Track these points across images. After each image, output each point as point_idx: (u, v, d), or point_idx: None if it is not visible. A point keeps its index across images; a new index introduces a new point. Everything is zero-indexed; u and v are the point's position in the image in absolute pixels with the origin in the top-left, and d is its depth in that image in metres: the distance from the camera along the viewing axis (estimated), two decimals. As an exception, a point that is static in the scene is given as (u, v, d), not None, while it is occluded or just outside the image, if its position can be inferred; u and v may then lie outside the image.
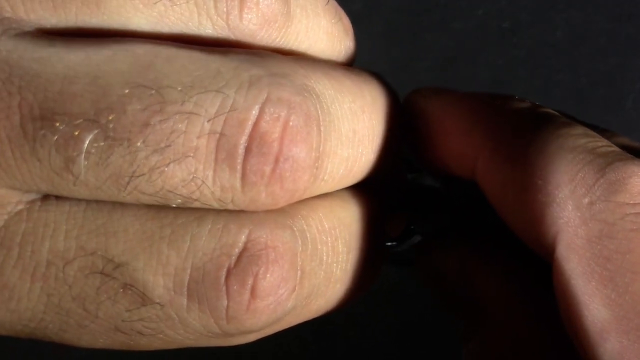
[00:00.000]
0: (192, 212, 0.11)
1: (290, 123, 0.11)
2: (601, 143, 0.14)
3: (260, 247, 0.12)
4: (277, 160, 0.11)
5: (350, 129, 0.14)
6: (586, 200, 0.13)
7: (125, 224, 0.11)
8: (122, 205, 0.11)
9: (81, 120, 0.10)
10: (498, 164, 0.15)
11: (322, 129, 0.12)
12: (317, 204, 0.14)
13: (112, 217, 0.11)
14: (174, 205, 0.11)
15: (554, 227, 0.13)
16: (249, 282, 0.11)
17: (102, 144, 0.10)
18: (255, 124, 0.11)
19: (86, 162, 0.10)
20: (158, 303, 0.11)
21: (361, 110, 0.14)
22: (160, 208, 0.11)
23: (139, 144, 0.10)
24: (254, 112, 0.11)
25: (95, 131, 0.10)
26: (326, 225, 0.14)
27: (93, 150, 0.10)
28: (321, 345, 0.35)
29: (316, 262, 0.13)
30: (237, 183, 0.11)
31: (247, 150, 0.11)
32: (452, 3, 0.36)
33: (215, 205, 0.11)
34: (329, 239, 0.14)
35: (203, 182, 0.11)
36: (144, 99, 0.10)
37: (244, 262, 0.11)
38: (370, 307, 0.35)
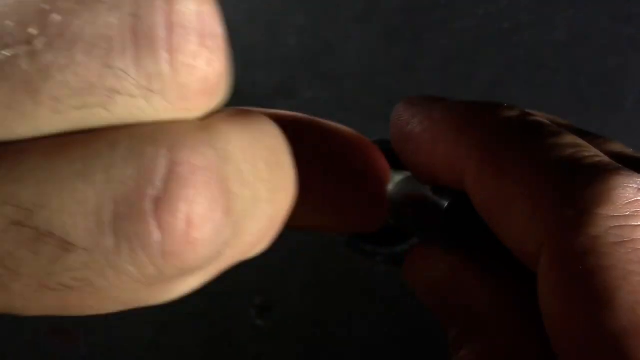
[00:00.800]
0: (102, 138, 0.10)
1: None
2: (589, 153, 0.14)
3: (185, 169, 0.10)
4: (202, 36, 0.10)
5: None
6: (571, 212, 0.13)
7: (31, 166, 0.10)
8: (25, 148, 0.10)
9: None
10: (485, 175, 0.15)
11: None
12: (235, 120, 0.13)
13: (16, 161, 0.10)
14: (96, 112, 0.10)
15: (538, 239, 0.13)
16: (182, 210, 0.10)
17: (1, 54, 0.09)
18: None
19: None
20: (82, 248, 0.10)
21: None
22: (67, 143, 0.10)
23: (41, 45, 0.09)
24: None
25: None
26: (246, 142, 0.12)
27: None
28: (320, 344, 0.35)
29: (241, 182, 0.12)
30: (165, 67, 0.10)
31: (168, 28, 0.10)
32: (452, 3, 0.36)
33: (140, 96, 0.10)
34: (250, 156, 0.12)
35: (123, 71, 0.10)
36: None
37: (171, 187, 0.10)
38: (375, 309, 0.35)
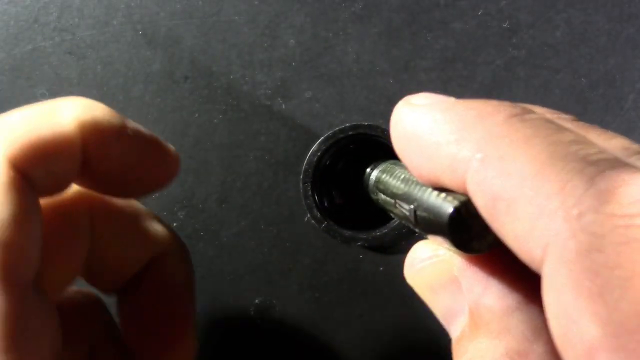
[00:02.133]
0: None
1: None
2: (593, 150, 0.14)
3: None
4: None
5: None
6: (575, 211, 0.12)
7: None
8: None
9: None
10: (488, 176, 0.14)
11: None
12: None
13: None
14: None
15: (543, 239, 0.13)
16: None
17: None
18: None
19: None
20: None
21: None
22: None
23: None
24: None
25: None
26: None
27: None
28: (320, 344, 0.35)
29: None
30: None
31: None
32: (452, 3, 0.36)
33: None
34: None
35: None
36: None
37: None
38: (375, 309, 0.35)
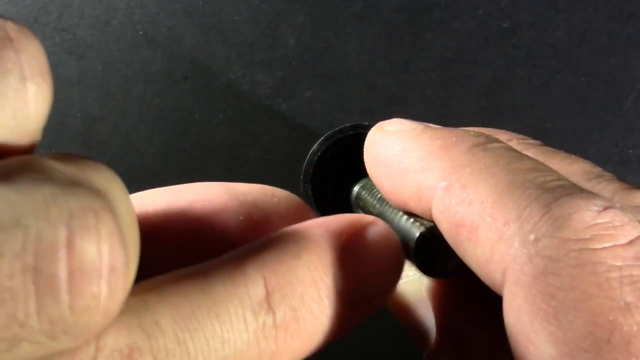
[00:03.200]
0: None
1: (102, 230, 0.11)
2: (551, 177, 0.14)
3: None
4: (102, 275, 0.11)
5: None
6: (532, 236, 0.13)
7: None
8: None
9: None
10: (450, 204, 0.15)
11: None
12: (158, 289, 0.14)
13: None
14: (3, 356, 0.11)
15: (502, 263, 0.13)
16: None
17: None
18: (69, 243, 0.10)
19: None
20: None
21: None
22: None
23: None
24: (61, 233, 0.10)
25: None
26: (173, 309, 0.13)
27: None
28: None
29: (179, 356, 0.13)
30: (66, 312, 0.10)
31: (69, 274, 0.10)
32: (452, 3, 0.36)
33: (45, 340, 0.11)
34: (196, 334, 0.13)
35: (26, 321, 0.10)
36: None
37: None
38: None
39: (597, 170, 0.17)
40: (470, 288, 0.18)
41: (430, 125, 0.18)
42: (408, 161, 0.16)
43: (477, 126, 0.35)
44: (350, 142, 0.35)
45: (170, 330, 0.13)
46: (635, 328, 0.12)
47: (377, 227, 0.16)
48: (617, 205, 0.13)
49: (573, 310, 0.12)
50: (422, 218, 0.17)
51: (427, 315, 0.19)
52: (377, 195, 0.22)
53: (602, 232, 0.13)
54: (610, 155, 0.37)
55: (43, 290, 0.10)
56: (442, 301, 0.18)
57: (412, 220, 0.17)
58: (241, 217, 0.18)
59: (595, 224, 0.13)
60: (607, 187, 0.17)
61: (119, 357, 0.12)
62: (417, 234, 0.17)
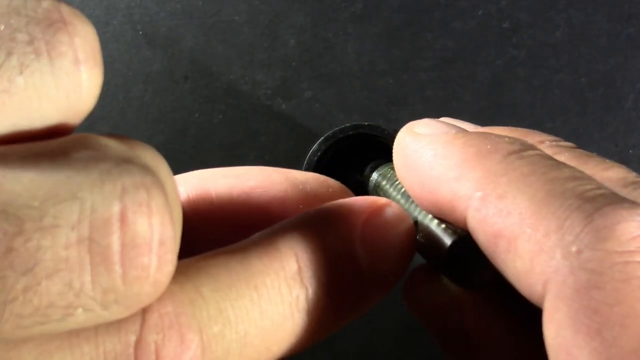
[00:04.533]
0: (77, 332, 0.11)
1: (153, 206, 0.11)
2: (590, 186, 0.14)
3: (155, 315, 0.12)
4: (151, 249, 0.11)
5: None
6: (574, 248, 0.13)
7: None
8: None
9: None
10: (488, 214, 0.15)
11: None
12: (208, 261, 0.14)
13: None
14: (57, 324, 0.11)
15: (543, 276, 0.13)
16: (152, 344, 0.12)
17: None
18: (122, 217, 0.11)
19: None
20: None
21: None
22: (45, 340, 0.11)
23: (6, 269, 0.10)
24: (115, 207, 0.11)
25: None
26: (223, 283, 0.14)
27: None
28: (320, 344, 0.35)
29: (219, 323, 0.13)
30: (118, 282, 0.11)
31: (122, 246, 0.11)
32: (452, 3, 0.36)
33: (98, 308, 0.11)
34: (227, 296, 0.13)
35: (81, 289, 0.11)
36: (2, 224, 0.10)
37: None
38: (375, 309, 0.35)
39: (633, 176, 0.17)
40: (501, 297, 0.17)
41: (463, 128, 0.18)
42: (441, 169, 0.16)
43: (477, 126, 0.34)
44: (350, 142, 0.35)
45: (212, 299, 0.13)
46: None
47: (392, 208, 0.17)
48: None
49: (618, 326, 0.12)
50: (453, 226, 0.17)
51: (456, 323, 0.18)
52: (401, 188, 0.21)
53: None
54: (611, 155, 0.37)
55: (97, 260, 0.11)
56: (472, 311, 0.18)
57: (443, 226, 0.17)
58: (301, 206, 0.18)
59: None
60: None
61: (167, 321, 0.12)
62: (450, 242, 0.16)
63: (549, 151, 0.18)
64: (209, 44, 0.36)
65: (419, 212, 0.18)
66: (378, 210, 0.17)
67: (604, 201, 0.13)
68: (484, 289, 0.17)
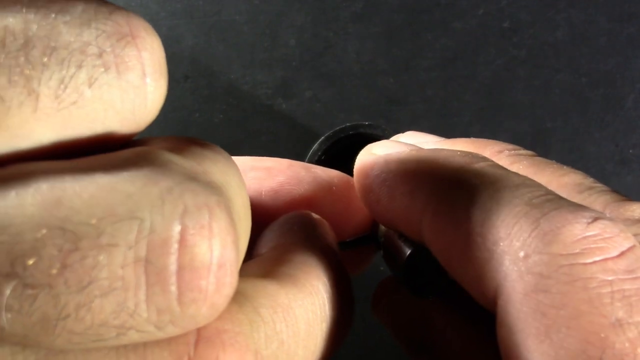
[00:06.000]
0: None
1: (215, 228, 0.11)
2: (538, 192, 0.14)
3: (213, 333, 0.12)
4: (211, 270, 0.11)
5: None
6: (522, 253, 0.13)
7: None
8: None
9: None
10: (440, 226, 0.15)
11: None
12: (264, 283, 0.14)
13: None
14: (110, 342, 0.11)
15: (493, 282, 0.13)
16: None
17: (22, 293, 0.10)
18: (181, 239, 0.11)
19: (9, 315, 0.10)
20: None
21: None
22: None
23: (60, 286, 0.10)
24: (175, 228, 0.11)
25: (14, 282, 0.10)
26: (278, 304, 0.14)
27: (15, 302, 0.10)
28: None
29: (275, 345, 0.13)
30: (174, 304, 0.11)
31: (180, 268, 0.11)
32: (452, 3, 0.36)
33: (152, 329, 0.11)
34: (283, 317, 0.13)
35: (135, 310, 0.11)
36: (58, 240, 0.10)
37: (200, 348, 0.12)
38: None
39: (589, 181, 0.17)
40: (463, 305, 0.18)
41: (417, 146, 0.18)
42: (396, 186, 0.17)
43: (477, 126, 0.35)
44: (351, 142, 0.35)
45: (270, 320, 0.13)
46: (627, 345, 0.12)
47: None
48: (607, 216, 0.13)
49: (565, 328, 0.12)
50: (411, 239, 0.17)
51: (421, 332, 0.19)
52: None
53: (591, 245, 0.12)
54: (610, 155, 0.37)
55: (153, 281, 0.10)
56: (435, 319, 0.18)
57: (402, 239, 0.18)
58: (327, 205, 0.19)
59: (585, 237, 0.12)
60: (599, 199, 0.16)
61: (227, 340, 0.12)
62: (407, 254, 0.17)
63: (507, 160, 0.18)
64: (209, 44, 0.36)
65: (384, 229, 0.19)
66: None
67: (551, 206, 0.13)
68: (438, 297, 0.17)
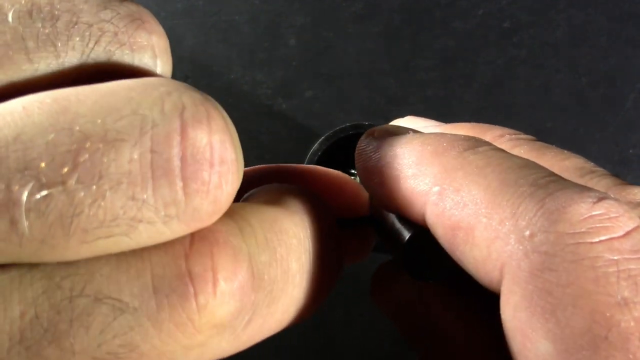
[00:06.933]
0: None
1: (213, 125, 0.12)
2: (542, 173, 0.14)
3: (209, 233, 0.12)
4: (211, 165, 0.12)
5: None
6: (527, 232, 0.13)
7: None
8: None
9: (13, 178, 0.10)
10: (445, 207, 0.15)
11: None
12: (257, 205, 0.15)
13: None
14: (120, 241, 0.11)
15: (499, 261, 0.13)
16: (208, 263, 0.12)
17: (39, 195, 0.10)
18: (182, 132, 0.11)
19: (28, 220, 0.10)
20: (131, 306, 0.11)
21: None
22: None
23: (73, 183, 0.11)
24: (175, 121, 0.11)
25: (30, 185, 0.10)
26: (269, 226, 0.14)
27: (32, 204, 0.10)
28: (320, 344, 0.35)
29: (268, 254, 0.14)
30: (179, 195, 0.11)
31: (182, 160, 0.11)
32: (452, 3, 0.36)
33: (159, 225, 0.11)
34: (282, 237, 0.14)
35: (144, 202, 0.11)
36: (67, 140, 0.11)
37: (197, 244, 0.12)
38: (375, 309, 0.35)
39: (590, 165, 0.17)
40: (464, 289, 0.18)
41: (419, 131, 0.19)
42: (399, 168, 0.17)
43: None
44: (351, 142, 0.35)
45: (259, 228, 0.14)
46: (632, 324, 0.12)
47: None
48: (612, 196, 0.13)
49: (570, 307, 0.12)
50: (412, 222, 0.17)
51: (420, 317, 0.19)
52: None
53: (597, 225, 0.12)
54: (611, 155, 0.37)
55: (159, 174, 0.11)
56: (434, 304, 0.18)
57: (402, 222, 0.18)
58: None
59: (591, 216, 0.13)
60: (600, 182, 0.17)
61: (221, 238, 0.12)
62: (408, 236, 0.17)
63: (508, 144, 0.19)
64: (209, 44, 0.36)
65: (384, 214, 0.19)
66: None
67: (556, 186, 0.13)
68: (440, 281, 0.17)
